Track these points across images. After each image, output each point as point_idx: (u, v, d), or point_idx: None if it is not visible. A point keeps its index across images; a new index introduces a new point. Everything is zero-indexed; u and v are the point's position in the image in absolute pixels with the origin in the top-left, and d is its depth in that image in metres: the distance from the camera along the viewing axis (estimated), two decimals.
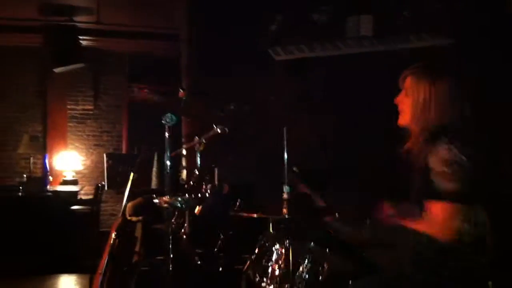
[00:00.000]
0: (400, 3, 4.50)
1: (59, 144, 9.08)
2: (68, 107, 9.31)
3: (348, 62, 4.58)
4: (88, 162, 9.39)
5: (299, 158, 3.72)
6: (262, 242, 2.93)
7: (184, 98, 3.68)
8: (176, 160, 4.91)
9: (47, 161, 8.78)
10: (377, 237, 2.97)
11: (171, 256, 3.47)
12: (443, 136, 2.19)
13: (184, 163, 5.30)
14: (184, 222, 3.64)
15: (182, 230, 3.63)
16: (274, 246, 2.81)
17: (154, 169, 8.31)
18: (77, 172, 8.99)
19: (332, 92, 4.67)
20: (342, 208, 2.69)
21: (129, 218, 5.11)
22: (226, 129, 3.82)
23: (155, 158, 8.16)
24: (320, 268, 2.66)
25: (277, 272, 2.73)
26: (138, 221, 5.23)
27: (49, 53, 6.91)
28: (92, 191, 8.45)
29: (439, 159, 2.17)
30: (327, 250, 2.93)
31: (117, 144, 9.53)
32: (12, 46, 8.37)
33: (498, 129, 3.52)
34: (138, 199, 6.02)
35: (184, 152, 4.75)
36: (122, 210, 4.11)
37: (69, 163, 8.87)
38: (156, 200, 3.53)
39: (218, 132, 3.85)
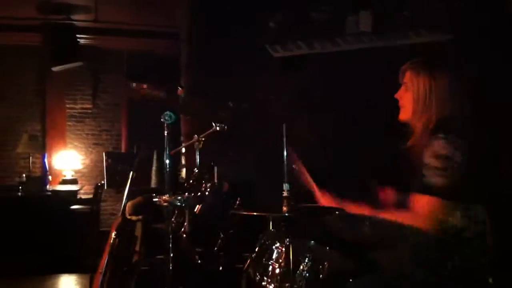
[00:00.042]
0: (400, 2, 4.49)
1: (58, 143, 9.07)
2: (67, 106, 9.30)
3: (347, 58, 4.57)
4: (87, 161, 9.38)
5: (299, 157, 3.71)
6: (263, 240, 2.91)
7: (182, 95, 3.67)
8: (175, 158, 4.90)
9: (46, 160, 8.77)
10: (378, 235, 2.96)
11: (171, 255, 3.46)
12: (441, 130, 2.18)
13: (183, 162, 5.30)
14: (184, 221, 3.63)
15: (182, 229, 3.62)
16: (275, 245, 2.80)
17: (154, 167, 8.29)
18: (77, 172, 8.98)
19: (331, 89, 4.65)
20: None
21: (129, 217, 5.10)
22: (225, 127, 3.81)
23: (155, 156, 8.15)
24: (321, 267, 2.65)
25: (277, 271, 2.71)
26: (138, 220, 5.21)
27: (48, 52, 6.89)
28: (92, 190, 8.44)
29: (432, 153, 2.17)
30: (328, 248, 2.93)
31: (116, 143, 9.52)
32: (11, 45, 8.35)
33: (498, 129, 3.51)
34: (138, 198, 6.00)
35: (183, 150, 4.75)
36: (121, 209, 4.10)
37: (68, 163, 8.86)
38: (155, 199, 3.51)
39: (217, 130, 3.85)
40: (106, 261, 3.79)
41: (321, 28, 4.59)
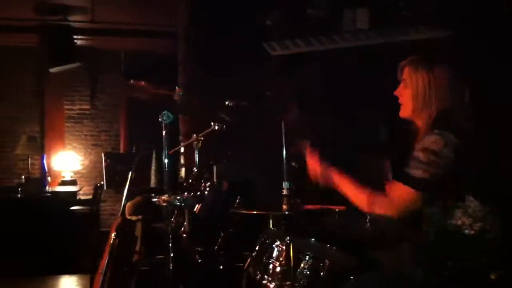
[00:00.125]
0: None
1: (57, 144, 9.07)
2: (65, 107, 9.30)
3: (346, 55, 4.57)
4: (86, 162, 9.38)
5: (298, 156, 3.71)
6: (263, 239, 2.91)
7: (180, 95, 3.66)
8: (174, 158, 4.90)
9: (45, 161, 8.76)
10: (378, 232, 2.96)
11: (171, 255, 3.46)
12: (438, 126, 2.18)
13: (182, 161, 5.29)
14: (183, 221, 3.62)
15: (182, 229, 3.61)
16: (275, 243, 2.80)
17: (153, 167, 8.28)
18: (76, 172, 8.97)
19: (330, 87, 4.65)
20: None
21: (128, 217, 5.09)
22: (224, 126, 3.81)
23: (154, 156, 8.14)
24: (321, 265, 2.64)
25: (278, 269, 2.71)
26: (137, 220, 5.21)
27: (45, 53, 6.89)
28: (91, 191, 8.44)
29: (421, 147, 2.18)
30: (329, 245, 2.93)
31: (115, 143, 9.52)
32: (8, 46, 8.35)
33: (498, 129, 3.51)
34: (137, 198, 6.00)
35: (182, 150, 4.74)
36: (121, 209, 4.09)
37: (67, 164, 8.86)
38: (155, 199, 3.51)
39: (215, 129, 3.84)
40: (106, 261, 3.79)
41: (318, 26, 4.58)
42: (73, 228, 6.91)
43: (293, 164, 3.72)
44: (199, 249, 3.67)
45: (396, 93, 2.44)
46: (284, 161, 3.17)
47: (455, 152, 2.12)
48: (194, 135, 3.97)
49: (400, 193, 2.22)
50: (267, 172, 4.12)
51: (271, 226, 3.18)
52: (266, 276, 2.74)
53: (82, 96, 9.42)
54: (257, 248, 2.91)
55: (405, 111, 2.40)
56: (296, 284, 2.63)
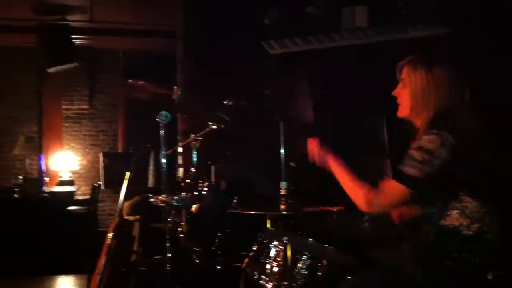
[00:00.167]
0: None
1: (55, 144, 9.05)
2: (63, 107, 9.29)
3: (345, 54, 4.57)
4: (84, 162, 9.36)
5: (298, 156, 3.70)
6: (260, 239, 2.90)
7: (179, 94, 3.66)
8: (172, 158, 4.89)
9: (43, 162, 8.75)
10: (377, 232, 2.96)
11: (169, 255, 3.46)
12: (436, 126, 2.18)
13: (180, 161, 5.28)
14: (181, 221, 3.62)
15: (180, 229, 3.61)
16: (272, 243, 2.79)
17: (151, 167, 8.29)
18: (74, 172, 8.96)
19: (330, 86, 4.65)
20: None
21: (126, 217, 5.09)
22: (222, 126, 3.80)
23: (152, 156, 8.14)
24: (319, 264, 2.64)
25: (275, 269, 2.71)
26: (135, 220, 5.21)
27: (44, 53, 6.87)
28: (89, 191, 8.42)
29: (417, 145, 2.18)
30: (326, 245, 2.92)
31: (113, 143, 9.50)
32: (7, 46, 8.33)
33: (499, 129, 3.50)
34: (135, 198, 6.01)
35: (180, 149, 4.73)
36: (119, 209, 4.09)
37: (65, 164, 8.84)
38: (152, 199, 3.51)
39: (213, 129, 3.84)
40: (104, 261, 3.78)
41: (317, 24, 4.58)
42: (70, 228, 6.89)
43: (291, 164, 3.72)
44: (197, 249, 3.66)
45: (394, 92, 2.43)
46: (282, 161, 3.17)
47: (452, 152, 2.11)
48: (192, 135, 3.97)
49: (392, 190, 2.22)
50: (265, 172, 4.12)
51: (268, 226, 3.17)
52: (263, 276, 2.74)
53: (81, 96, 9.40)
54: (254, 248, 2.90)
55: (404, 111, 2.40)
56: (294, 284, 2.63)
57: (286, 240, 2.72)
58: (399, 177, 2.19)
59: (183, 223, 3.60)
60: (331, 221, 3.17)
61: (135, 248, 4.60)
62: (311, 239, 2.96)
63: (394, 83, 2.44)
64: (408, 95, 2.35)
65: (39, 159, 8.81)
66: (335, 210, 3.08)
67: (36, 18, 6.79)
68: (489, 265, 2.14)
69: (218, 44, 5.08)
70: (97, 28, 7.62)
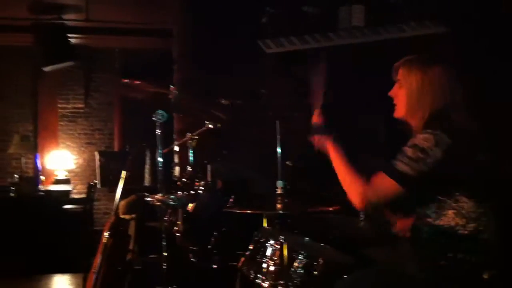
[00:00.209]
0: None
1: (50, 143, 9.03)
2: (59, 106, 9.27)
3: (344, 53, 4.57)
4: (80, 161, 9.36)
5: (296, 155, 3.71)
6: (257, 238, 2.90)
7: (175, 93, 3.65)
8: (168, 157, 4.88)
9: (38, 160, 8.73)
10: (373, 230, 2.97)
11: (165, 254, 3.45)
12: (431, 126, 2.19)
13: (176, 160, 5.28)
14: (177, 220, 3.62)
15: (176, 228, 3.60)
16: (269, 242, 2.79)
17: (147, 166, 8.28)
18: (69, 171, 8.95)
19: (329, 85, 4.65)
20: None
21: (122, 216, 5.08)
22: (218, 125, 3.80)
23: (148, 155, 8.14)
24: (315, 263, 2.64)
25: (271, 268, 2.71)
26: (131, 219, 5.20)
27: (39, 52, 6.86)
28: (85, 190, 8.42)
29: (412, 143, 2.19)
30: (323, 244, 2.92)
31: (109, 142, 9.50)
32: (3, 46, 8.32)
33: (498, 129, 3.51)
34: (131, 197, 5.99)
35: (176, 148, 4.73)
36: (115, 208, 4.08)
37: (61, 162, 8.83)
38: (148, 198, 3.50)
39: (210, 128, 3.83)
40: (99, 260, 3.78)
41: (313, 23, 4.58)
42: (66, 227, 6.88)
43: (288, 163, 3.72)
44: (193, 248, 3.66)
45: (391, 93, 2.44)
46: (279, 160, 3.17)
47: (447, 152, 2.12)
48: (189, 134, 3.97)
49: (383, 185, 2.22)
50: (262, 171, 4.12)
51: (265, 225, 3.18)
52: (259, 275, 2.74)
53: (76, 95, 9.39)
54: (251, 247, 2.90)
55: (400, 112, 2.41)
56: (290, 283, 2.63)
57: (283, 239, 2.72)
58: (390, 171, 2.20)
59: (179, 222, 3.60)
60: (328, 221, 3.17)
61: (131, 247, 4.59)
62: (307, 238, 2.97)
63: (391, 83, 2.44)
64: (404, 96, 2.36)
65: (35, 158, 8.80)
66: (331, 209, 3.07)
67: (32, 17, 6.77)
68: (484, 264, 2.15)
69: (214, 43, 5.08)
70: (93, 27, 7.61)
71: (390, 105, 2.44)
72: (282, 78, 4.93)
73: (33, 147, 8.84)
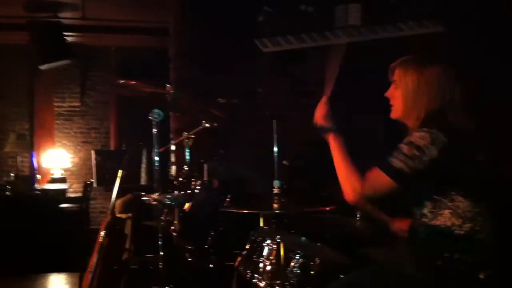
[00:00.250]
0: None
1: (46, 142, 9.02)
2: (55, 104, 9.25)
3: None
4: (76, 160, 9.33)
5: (293, 154, 3.70)
6: (253, 237, 2.90)
7: (171, 92, 3.65)
8: (165, 156, 4.87)
9: (34, 159, 8.71)
10: (370, 230, 2.96)
11: (162, 253, 3.45)
12: (427, 125, 2.20)
13: (173, 159, 5.26)
14: (174, 219, 3.61)
15: (172, 227, 3.60)
16: (265, 242, 2.79)
17: (143, 165, 8.28)
18: (65, 170, 8.93)
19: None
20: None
21: (118, 215, 5.07)
22: (215, 124, 3.80)
23: (144, 154, 8.13)
24: (312, 263, 2.64)
25: (268, 268, 2.70)
26: (127, 218, 5.20)
27: (35, 50, 6.84)
28: (81, 189, 8.39)
29: (408, 140, 2.19)
30: (319, 244, 2.92)
31: (105, 141, 9.48)
32: None
33: (497, 129, 3.51)
34: (127, 196, 5.99)
35: (173, 147, 4.72)
36: (111, 207, 4.07)
37: (57, 161, 8.81)
38: (145, 198, 3.50)
39: (206, 127, 3.83)
40: (95, 259, 3.77)
41: (310, 22, 4.57)
42: (62, 226, 6.87)
43: (284, 162, 3.71)
44: (190, 247, 3.66)
45: (387, 94, 2.44)
46: (275, 159, 3.17)
47: (442, 150, 2.12)
48: (185, 133, 3.96)
49: (377, 180, 2.23)
50: (258, 170, 4.12)
51: (261, 225, 3.17)
52: (256, 275, 2.73)
53: (72, 93, 9.37)
54: (247, 247, 2.90)
55: (396, 112, 2.41)
56: (286, 283, 2.63)
57: (279, 238, 2.72)
58: (385, 167, 2.19)
59: (175, 222, 3.60)
60: (324, 220, 3.17)
61: (127, 246, 4.59)
62: (304, 238, 2.96)
63: (388, 83, 2.44)
64: (400, 97, 2.36)
65: (31, 156, 8.78)
66: (328, 209, 3.07)
67: (28, 15, 6.75)
68: (481, 264, 2.15)
69: (211, 42, 5.07)
70: (89, 25, 7.59)
71: (387, 105, 2.44)
72: (279, 77, 4.93)
73: (29, 146, 8.83)
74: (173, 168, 5.22)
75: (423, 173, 2.15)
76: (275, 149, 3.33)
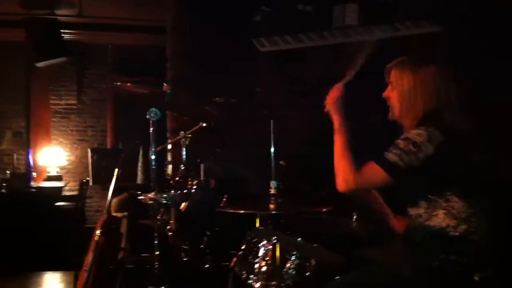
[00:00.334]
0: None
1: (42, 139, 8.99)
2: (52, 102, 9.22)
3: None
4: (72, 158, 9.31)
5: (292, 155, 3.69)
6: (249, 238, 2.90)
7: (168, 91, 3.64)
8: (161, 155, 4.87)
9: (30, 157, 8.69)
10: (366, 231, 2.96)
11: (157, 252, 3.44)
12: (423, 124, 2.20)
13: (169, 158, 5.26)
14: (170, 219, 3.60)
15: (168, 227, 3.59)
16: (261, 242, 2.79)
17: (140, 164, 8.26)
18: (61, 168, 8.91)
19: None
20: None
21: (114, 214, 5.07)
22: (212, 123, 3.79)
23: (141, 153, 8.11)
24: (307, 264, 2.63)
25: (264, 269, 2.70)
26: (123, 217, 5.19)
27: (32, 47, 6.82)
28: (77, 187, 8.38)
29: (405, 136, 2.20)
30: (315, 245, 2.92)
31: (102, 139, 9.46)
32: None
33: (495, 129, 3.50)
34: (123, 195, 5.98)
35: (169, 146, 4.72)
36: (107, 206, 4.06)
37: (53, 159, 8.79)
38: (141, 197, 3.49)
39: (203, 126, 3.82)
40: (91, 258, 3.76)
41: (308, 22, 4.57)
42: (58, 224, 6.86)
43: (281, 162, 3.71)
44: (185, 247, 3.65)
45: (384, 95, 2.44)
46: (272, 159, 3.16)
47: (438, 148, 2.13)
48: (182, 132, 3.95)
49: (371, 171, 2.23)
50: (255, 170, 4.11)
51: (258, 225, 3.17)
52: (252, 275, 2.73)
53: (69, 91, 9.35)
54: (243, 247, 2.89)
55: (394, 113, 2.41)
56: (282, 284, 2.63)
57: (275, 239, 2.72)
58: (381, 161, 2.20)
59: (171, 221, 3.59)
60: (320, 221, 3.17)
61: (123, 245, 4.58)
62: (300, 239, 2.96)
63: (385, 83, 2.44)
64: (396, 98, 2.36)
65: (27, 154, 8.76)
66: (324, 210, 3.07)
67: (24, 12, 6.73)
68: (476, 266, 2.15)
69: (209, 41, 5.07)
70: (86, 23, 7.59)
71: (385, 106, 2.43)
72: (277, 76, 4.92)
73: (26, 143, 8.81)
74: (170, 167, 5.22)
75: (418, 169, 2.15)
76: (272, 149, 3.32)
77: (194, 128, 3.89)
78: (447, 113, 2.25)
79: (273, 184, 2.90)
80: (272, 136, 3.32)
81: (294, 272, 2.64)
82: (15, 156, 8.64)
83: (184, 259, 3.62)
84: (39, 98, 9.04)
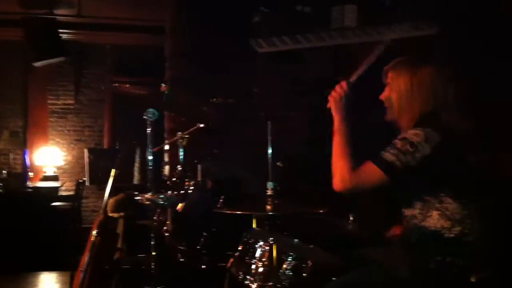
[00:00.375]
0: None
1: (39, 139, 8.98)
2: (49, 101, 9.21)
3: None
4: (69, 158, 9.29)
5: (289, 156, 3.68)
6: (246, 239, 2.89)
7: (166, 92, 3.64)
8: (158, 155, 4.86)
9: (27, 156, 8.67)
10: (362, 232, 2.96)
11: (154, 253, 3.44)
12: (421, 125, 2.21)
13: (166, 159, 5.25)
14: (166, 219, 3.60)
15: (165, 227, 3.59)
16: (258, 243, 2.78)
17: (137, 164, 8.25)
18: (58, 168, 8.89)
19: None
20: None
21: (110, 214, 5.06)
22: (209, 124, 3.79)
23: (138, 153, 8.11)
24: (304, 265, 2.63)
25: (260, 270, 2.69)
26: (120, 217, 5.18)
27: (30, 47, 6.81)
28: (73, 187, 8.35)
29: (402, 136, 2.21)
30: (312, 246, 2.91)
31: (99, 139, 9.44)
32: None
33: (494, 130, 3.50)
34: (120, 195, 5.97)
35: (166, 147, 4.71)
36: (103, 206, 4.06)
37: (49, 159, 8.77)
38: (138, 197, 3.49)
39: (200, 127, 3.82)
40: (87, 258, 3.75)
41: (306, 23, 4.57)
42: (54, 224, 6.84)
43: (278, 164, 3.70)
44: (182, 248, 3.65)
45: (382, 96, 2.44)
46: (269, 160, 3.16)
47: (435, 149, 2.13)
48: (179, 132, 3.95)
49: (368, 170, 2.23)
50: (253, 171, 4.11)
51: (254, 226, 3.16)
52: (248, 276, 2.72)
53: (66, 91, 9.33)
54: (240, 248, 2.89)
55: (391, 114, 2.41)
56: (278, 285, 2.62)
57: (272, 240, 2.71)
58: (378, 160, 2.20)
59: (168, 222, 3.59)
60: (317, 222, 3.17)
61: (119, 245, 4.57)
62: (296, 240, 2.95)
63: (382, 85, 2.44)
64: (394, 99, 2.36)
65: (24, 153, 8.73)
66: (321, 211, 3.07)
67: (22, 12, 6.72)
68: (472, 267, 2.15)
69: (207, 41, 5.06)
70: (85, 23, 7.58)
71: (383, 107, 2.43)
72: (275, 77, 4.92)
73: (22, 143, 8.79)
74: (167, 168, 5.20)
75: (414, 169, 2.16)
76: (269, 150, 3.32)
77: (192, 129, 3.88)
78: (445, 114, 2.25)
79: (269, 185, 2.89)
80: (269, 137, 3.32)
81: (290, 273, 2.63)
82: (11, 156, 8.62)
83: (181, 260, 3.61)
84: (36, 97, 9.02)
